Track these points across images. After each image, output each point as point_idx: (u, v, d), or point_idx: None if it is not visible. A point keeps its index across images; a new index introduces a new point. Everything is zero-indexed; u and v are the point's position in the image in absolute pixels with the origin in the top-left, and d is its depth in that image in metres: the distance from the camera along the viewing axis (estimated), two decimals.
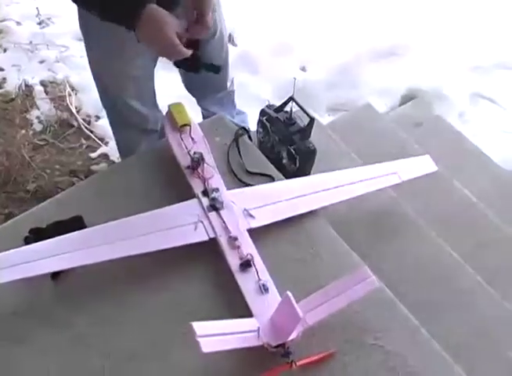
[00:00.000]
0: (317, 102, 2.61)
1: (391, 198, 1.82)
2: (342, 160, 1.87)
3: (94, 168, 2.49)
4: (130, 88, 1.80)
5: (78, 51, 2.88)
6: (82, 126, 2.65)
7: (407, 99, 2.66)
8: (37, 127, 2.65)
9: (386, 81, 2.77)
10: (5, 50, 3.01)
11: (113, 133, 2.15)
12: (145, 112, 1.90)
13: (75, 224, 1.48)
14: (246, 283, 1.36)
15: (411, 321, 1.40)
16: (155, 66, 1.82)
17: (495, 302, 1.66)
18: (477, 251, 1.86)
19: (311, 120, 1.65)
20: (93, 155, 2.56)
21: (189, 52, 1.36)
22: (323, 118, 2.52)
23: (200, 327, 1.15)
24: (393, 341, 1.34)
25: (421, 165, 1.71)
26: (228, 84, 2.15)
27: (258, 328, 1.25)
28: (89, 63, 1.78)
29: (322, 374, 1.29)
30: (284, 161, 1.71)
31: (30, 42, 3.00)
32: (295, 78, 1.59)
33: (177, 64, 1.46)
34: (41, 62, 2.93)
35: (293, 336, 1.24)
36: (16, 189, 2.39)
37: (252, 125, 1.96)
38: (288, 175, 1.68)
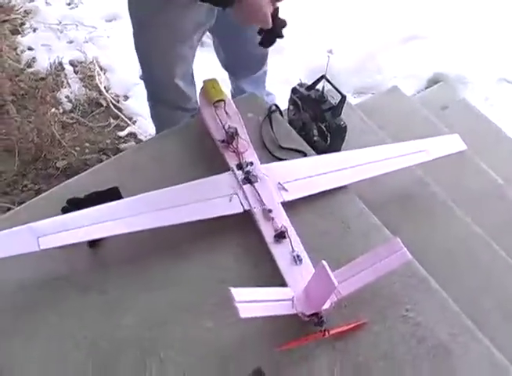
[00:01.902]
0: (343, 85, 2.60)
1: (419, 178, 1.83)
2: (372, 139, 1.88)
3: (122, 146, 2.53)
4: (177, 67, 1.85)
5: (106, 31, 2.93)
6: (111, 105, 2.69)
7: (433, 83, 2.67)
8: (67, 106, 2.70)
9: (412, 65, 2.78)
10: (34, 30, 3.05)
11: (152, 113, 2.19)
12: (187, 91, 1.95)
13: (112, 195, 1.50)
14: (280, 254, 1.38)
15: (441, 294, 1.41)
16: (198, 44, 1.86)
17: None
18: (505, 232, 1.87)
19: (343, 97, 1.66)
20: (121, 134, 2.60)
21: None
22: (350, 100, 2.53)
23: (237, 293, 1.17)
24: (423, 314, 1.36)
25: (450, 144, 1.73)
26: (266, 63, 2.18)
27: (293, 297, 1.28)
28: (137, 44, 1.82)
29: (353, 343, 1.31)
30: (315, 138, 1.73)
31: (60, 22, 3.04)
32: (329, 56, 1.60)
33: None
34: (70, 42, 2.97)
35: (326, 306, 1.26)
36: (45, 166, 2.44)
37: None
38: (319, 152, 1.70)
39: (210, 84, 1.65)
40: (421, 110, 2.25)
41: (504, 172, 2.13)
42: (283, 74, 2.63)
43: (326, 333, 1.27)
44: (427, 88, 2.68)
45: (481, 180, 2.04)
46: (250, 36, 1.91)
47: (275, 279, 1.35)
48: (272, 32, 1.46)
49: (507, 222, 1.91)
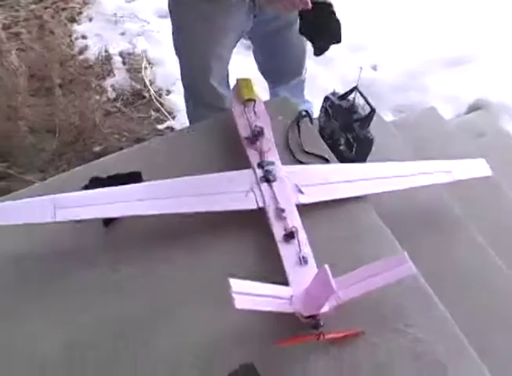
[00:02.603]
0: (383, 101, 2.62)
1: (444, 201, 1.82)
2: (399, 155, 1.88)
3: None
4: (213, 67, 1.90)
5: (158, 27, 3.01)
6: (153, 98, 2.76)
7: (474, 109, 2.64)
8: (111, 94, 2.79)
9: (454, 89, 2.76)
10: (90, 19, 3.16)
11: (188, 112, 2.23)
12: (222, 92, 1.99)
13: (133, 179, 1.54)
14: (287, 254, 1.39)
15: (443, 313, 1.40)
16: (235, 46, 1.90)
17: None
18: None
19: (372, 110, 1.67)
20: (160, 127, 2.66)
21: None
22: (387, 117, 2.54)
23: (236, 283, 1.18)
24: (423, 330, 1.35)
25: (476, 168, 1.71)
26: (304, 71, 2.21)
27: (291, 296, 1.29)
28: (175, 43, 1.89)
29: (349, 351, 1.31)
30: (341, 148, 1.74)
31: (115, 14, 3.13)
32: (361, 68, 1.62)
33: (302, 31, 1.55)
34: (122, 34, 3.07)
35: (325, 309, 1.27)
36: (83, 149, 2.52)
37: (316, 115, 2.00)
38: (344, 161, 1.71)
39: (244, 83, 1.69)
40: (456, 134, 2.23)
41: None
42: (325, 84, 2.65)
43: (322, 336, 1.27)
44: (467, 113, 2.65)
45: (507, 209, 2.01)
46: (288, 47, 1.97)
47: (279, 277, 1.35)
48: (314, 25, 1.49)
49: None
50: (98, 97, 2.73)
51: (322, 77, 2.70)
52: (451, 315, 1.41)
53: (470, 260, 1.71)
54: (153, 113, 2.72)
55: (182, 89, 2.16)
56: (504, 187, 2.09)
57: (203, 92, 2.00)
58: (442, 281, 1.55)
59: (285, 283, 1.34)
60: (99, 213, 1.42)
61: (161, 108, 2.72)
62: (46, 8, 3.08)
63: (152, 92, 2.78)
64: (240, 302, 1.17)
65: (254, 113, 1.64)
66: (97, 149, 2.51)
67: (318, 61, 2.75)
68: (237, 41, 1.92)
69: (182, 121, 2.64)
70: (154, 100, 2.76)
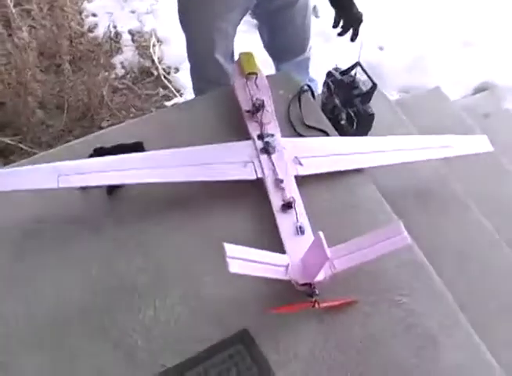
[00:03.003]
0: (389, 82, 2.63)
1: (442, 176, 1.84)
2: (400, 132, 1.89)
3: None
4: (217, 42, 1.91)
5: (167, 6, 2.99)
6: (161, 76, 2.78)
7: (480, 91, 2.64)
8: (120, 72, 2.81)
9: (461, 71, 2.76)
10: None
11: (194, 87, 2.25)
12: (226, 67, 2.00)
13: (136, 148, 1.57)
14: (284, 223, 1.42)
15: (439, 285, 1.42)
16: (239, 22, 1.92)
17: None
18: None
19: (374, 85, 1.69)
20: (167, 104, 2.69)
21: None
22: (392, 97, 2.54)
23: (231, 248, 1.20)
24: (416, 301, 1.37)
25: (477, 144, 1.72)
26: (307, 49, 2.22)
27: (288, 264, 1.31)
28: (181, 18, 1.91)
29: (342, 319, 1.34)
30: (343, 122, 1.75)
31: None
32: (362, 42, 1.63)
33: None
34: (132, 12, 3.09)
35: (320, 277, 1.29)
36: (91, 125, 2.55)
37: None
38: (344, 136, 1.73)
39: (246, 57, 1.71)
40: (460, 114, 2.24)
41: None
42: (330, 62, 2.64)
43: (316, 304, 1.29)
44: (472, 95, 2.65)
45: (509, 187, 2.02)
46: (291, 23, 1.99)
47: (277, 246, 1.38)
48: None
49: None
50: (106, 74, 2.75)
51: (327, 56, 2.70)
52: (446, 287, 1.43)
53: (468, 236, 1.73)
54: (161, 90, 2.74)
55: (189, 67, 2.19)
56: (508, 168, 2.10)
57: (208, 67, 2.02)
58: (439, 256, 1.57)
59: (282, 252, 1.37)
60: (101, 180, 1.45)
61: (169, 85, 2.75)
62: None
63: (160, 69, 2.80)
64: (235, 267, 1.19)
65: (256, 86, 1.66)
66: (105, 125, 2.54)
67: (323, 41, 2.79)
68: (241, 18, 1.94)
69: (189, 98, 2.65)
70: (162, 78, 2.78)
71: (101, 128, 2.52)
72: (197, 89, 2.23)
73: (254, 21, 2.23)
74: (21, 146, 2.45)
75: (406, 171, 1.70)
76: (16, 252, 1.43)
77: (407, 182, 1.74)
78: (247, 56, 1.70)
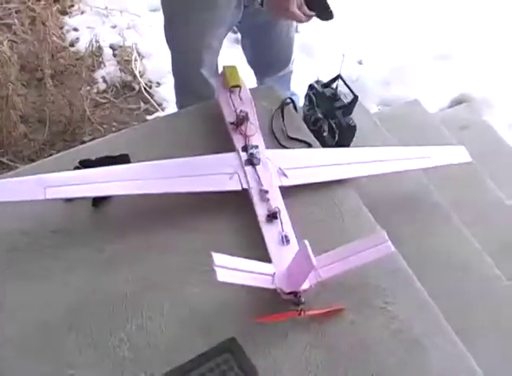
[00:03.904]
0: (368, 95, 2.68)
1: (424, 186, 1.87)
2: (380, 143, 1.92)
3: None
4: (204, 58, 1.93)
5: (149, 21, 3.05)
6: (143, 90, 2.80)
7: (457, 103, 2.70)
8: (101, 86, 2.82)
9: (439, 83, 2.82)
10: (82, 12, 3.19)
11: (178, 102, 2.27)
12: (211, 81, 2.02)
13: (122, 161, 1.58)
14: (269, 233, 1.43)
15: (422, 293, 1.45)
16: (225, 37, 1.95)
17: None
18: (501, 252, 1.89)
19: (355, 97, 1.72)
20: (149, 117, 2.70)
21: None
22: (372, 110, 2.58)
23: (218, 257, 1.22)
24: (400, 308, 1.39)
25: (455, 154, 1.76)
26: (290, 63, 2.25)
27: (274, 273, 1.33)
28: (167, 34, 1.92)
29: (328, 327, 1.35)
30: (325, 134, 1.78)
31: (106, 7, 3.17)
32: (344, 55, 1.66)
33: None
34: (114, 27, 3.10)
35: (305, 286, 1.31)
36: (73, 139, 2.55)
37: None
38: (327, 148, 1.76)
39: (230, 70, 1.73)
40: (438, 126, 2.28)
41: None
42: (310, 76, 2.69)
43: (302, 313, 1.30)
44: (450, 107, 2.71)
45: (488, 198, 2.07)
46: (276, 38, 2.02)
47: (262, 256, 1.39)
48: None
49: (506, 242, 1.92)
50: (88, 88, 2.77)
51: (308, 70, 2.74)
52: (430, 296, 1.46)
53: (448, 244, 1.76)
54: (142, 104, 2.76)
55: (171, 82, 2.20)
56: (485, 178, 2.14)
57: (193, 82, 2.03)
58: (421, 264, 1.60)
59: (268, 261, 1.38)
60: (88, 192, 1.46)
61: (151, 99, 2.76)
62: (38, 0, 3.11)
63: (142, 83, 2.82)
64: (222, 275, 1.21)
65: (240, 98, 1.68)
66: (87, 139, 2.54)
67: (303, 55, 2.83)
68: (227, 33, 1.96)
69: (170, 112, 2.67)
70: (144, 92, 2.79)
71: (83, 142, 2.52)
72: (181, 104, 2.24)
73: (235, 36, 2.26)
74: (2, 160, 2.44)
75: (389, 181, 1.73)
76: (1, 264, 1.43)
77: (390, 192, 1.78)
78: (231, 69, 1.72)
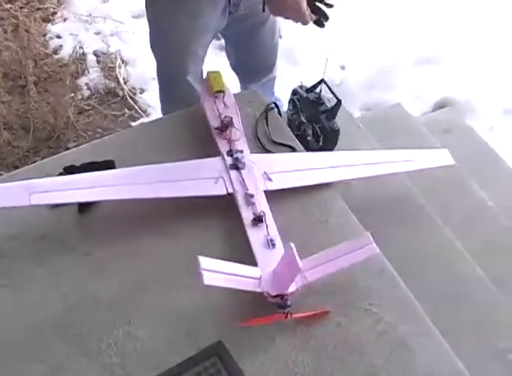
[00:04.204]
0: (352, 99, 2.69)
1: (407, 188, 1.89)
2: (364, 147, 1.94)
3: None
4: (189, 65, 1.93)
5: (132, 27, 3.05)
6: (127, 96, 2.80)
7: (440, 106, 2.73)
8: (85, 92, 2.82)
9: (422, 87, 2.85)
10: (64, 19, 3.19)
11: (163, 108, 2.26)
12: (196, 87, 2.03)
13: (107, 167, 1.58)
14: (255, 237, 1.44)
15: (407, 294, 1.46)
16: (210, 43, 1.96)
17: (493, 295, 1.71)
18: (487, 252, 1.91)
19: (339, 101, 1.73)
20: (133, 124, 2.71)
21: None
22: (356, 114, 2.60)
23: (204, 261, 1.23)
24: (386, 310, 1.40)
25: (439, 157, 1.78)
26: (274, 69, 2.27)
27: (260, 276, 1.33)
28: (152, 41, 1.91)
29: (315, 330, 1.36)
30: (309, 138, 1.80)
31: (89, 15, 3.17)
32: (327, 59, 1.68)
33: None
34: (97, 33, 3.11)
35: (292, 289, 1.31)
36: (57, 146, 2.55)
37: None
38: (311, 152, 1.77)
39: (214, 76, 1.73)
40: (421, 129, 2.31)
41: (497, 197, 2.17)
42: (293, 82, 2.71)
43: (289, 315, 1.31)
44: (433, 111, 2.73)
45: (472, 199, 2.09)
46: (260, 44, 2.04)
47: (249, 260, 1.39)
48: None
49: (490, 243, 1.95)
50: (72, 95, 2.77)
51: (291, 75, 2.75)
52: (415, 297, 1.47)
53: (432, 246, 1.78)
54: (126, 111, 2.76)
55: (155, 88, 2.20)
56: (469, 180, 2.17)
57: (178, 88, 2.03)
58: (406, 266, 1.61)
59: (254, 265, 1.39)
60: (73, 198, 1.45)
61: (135, 106, 2.77)
62: (21, 7, 3.11)
63: (126, 90, 2.82)
64: (209, 279, 1.22)
65: (224, 104, 1.69)
66: (71, 146, 2.54)
67: (286, 60, 2.85)
68: (212, 39, 1.96)
69: (155, 118, 2.68)
70: (128, 98, 2.80)
71: (67, 148, 2.51)
72: (166, 110, 2.25)
73: (219, 42, 2.27)
74: None
75: (373, 184, 1.74)
76: None
77: (374, 195, 1.79)
78: (215, 75, 1.73)
